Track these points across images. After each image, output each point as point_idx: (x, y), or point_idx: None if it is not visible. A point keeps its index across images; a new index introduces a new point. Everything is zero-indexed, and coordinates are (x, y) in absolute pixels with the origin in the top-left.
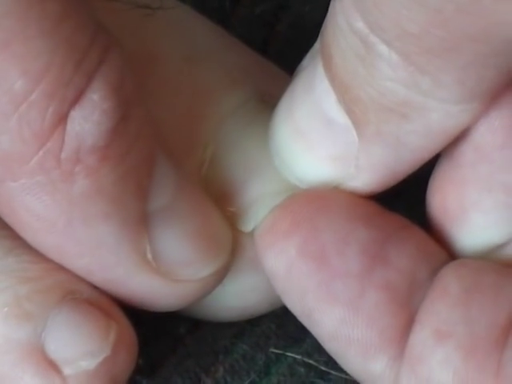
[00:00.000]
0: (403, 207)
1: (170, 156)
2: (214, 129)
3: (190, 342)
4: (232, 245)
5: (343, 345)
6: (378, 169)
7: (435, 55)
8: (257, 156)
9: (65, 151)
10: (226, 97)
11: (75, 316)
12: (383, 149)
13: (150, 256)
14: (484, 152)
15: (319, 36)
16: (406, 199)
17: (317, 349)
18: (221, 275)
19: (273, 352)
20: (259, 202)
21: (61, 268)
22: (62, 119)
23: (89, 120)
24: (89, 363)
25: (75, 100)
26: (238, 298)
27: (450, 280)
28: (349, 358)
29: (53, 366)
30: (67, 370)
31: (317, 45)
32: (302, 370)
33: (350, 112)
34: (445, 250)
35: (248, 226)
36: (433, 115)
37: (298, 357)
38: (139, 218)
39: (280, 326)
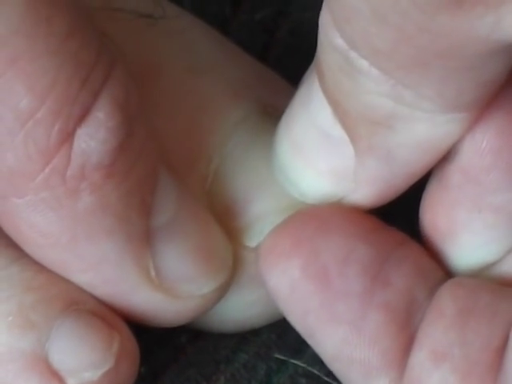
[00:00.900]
0: (401, 221)
1: (173, 171)
2: (219, 143)
3: (192, 351)
4: (233, 260)
5: (345, 365)
6: (375, 182)
7: (410, 71)
8: (261, 170)
9: (70, 169)
10: (229, 110)
11: (79, 327)
12: (377, 162)
13: (152, 272)
14: (472, 174)
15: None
16: (403, 214)
17: (318, 360)
18: (222, 291)
19: (275, 361)
20: (264, 218)
21: (65, 278)
22: (67, 136)
23: (94, 138)
24: (92, 374)
25: (81, 117)
26: (239, 310)
27: (446, 301)
28: (351, 378)
29: (56, 376)
30: (71, 381)
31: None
32: (304, 380)
33: (344, 125)
34: (441, 268)
35: (253, 241)
36: (419, 126)
37: (303, 365)
38: (142, 234)
39: (281, 336)
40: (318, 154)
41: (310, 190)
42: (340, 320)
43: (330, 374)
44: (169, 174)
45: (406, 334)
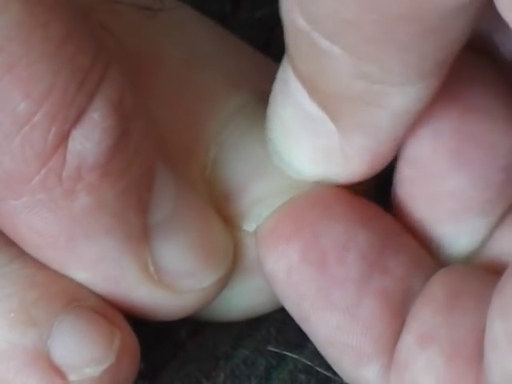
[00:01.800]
0: None
1: (171, 164)
2: (217, 131)
3: (191, 347)
4: (233, 252)
5: (338, 351)
6: (363, 155)
7: (374, 41)
8: (259, 156)
9: (66, 170)
10: (227, 99)
11: (80, 323)
12: (362, 136)
13: (151, 268)
14: (420, 166)
15: None
16: None
17: (317, 355)
18: (223, 284)
19: (274, 357)
20: (263, 202)
21: (66, 275)
22: (63, 139)
23: (90, 139)
24: (94, 370)
25: (76, 119)
26: (242, 297)
27: (436, 287)
28: (343, 364)
29: (58, 372)
30: (72, 377)
31: None
32: (303, 376)
33: (323, 106)
34: (433, 257)
35: (251, 225)
36: (393, 99)
37: (303, 360)
38: (140, 232)
39: (280, 330)
40: (305, 135)
41: (304, 170)
42: (335, 306)
43: (329, 368)
44: (166, 169)
45: (398, 322)
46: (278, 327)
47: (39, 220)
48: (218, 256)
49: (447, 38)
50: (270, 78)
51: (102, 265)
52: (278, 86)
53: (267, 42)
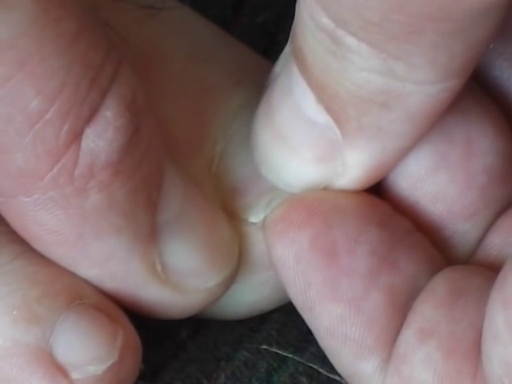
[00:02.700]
0: None
1: (177, 165)
2: (223, 126)
3: (192, 348)
4: (238, 252)
5: (338, 342)
6: (364, 163)
7: (401, 40)
8: None
9: (79, 168)
10: (231, 95)
11: (83, 321)
12: (367, 142)
13: (159, 267)
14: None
15: (289, 39)
16: None
17: (318, 358)
18: (227, 284)
19: (276, 359)
20: (272, 192)
21: (69, 272)
22: (76, 136)
23: (103, 137)
24: (97, 368)
25: (89, 117)
26: (247, 292)
27: (439, 283)
28: (342, 356)
29: (61, 370)
30: (75, 375)
31: (287, 49)
32: (304, 379)
33: (329, 110)
34: (443, 257)
35: (259, 215)
36: (412, 99)
37: (304, 362)
38: (149, 231)
39: (281, 333)
40: (304, 142)
41: (295, 180)
42: (341, 297)
43: (331, 370)
44: (174, 168)
45: (402, 318)
46: (279, 329)
47: (50, 217)
48: (224, 256)
49: (475, 38)
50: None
51: (109, 263)
52: (275, 90)
53: (268, 47)
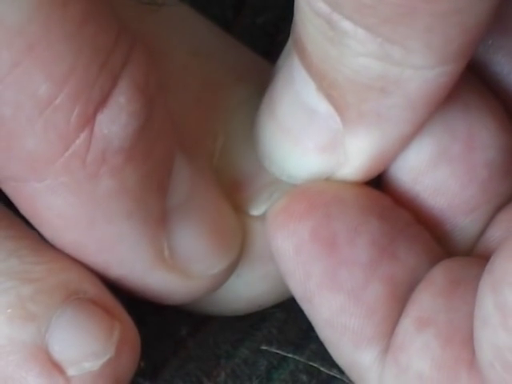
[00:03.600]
0: None
1: (185, 151)
2: (224, 121)
3: (192, 345)
4: (242, 237)
5: (338, 333)
6: (366, 151)
7: (395, 23)
8: None
9: (91, 153)
10: (232, 91)
11: (79, 316)
12: (367, 129)
13: (166, 253)
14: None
15: (291, 31)
16: None
17: (319, 355)
18: (231, 270)
19: (275, 357)
20: (274, 185)
21: (65, 268)
22: (88, 121)
23: (116, 123)
24: (93, 364)
25: (101, 102)
26: (249, 285)
27: (438, 273)
28: (341, 347)
29: (57, 366)
30: (71, 371)
31: (289, 42)
32: (304, 377)
33: (330, 98)
34: (443, 249)
35: (261, 208)
36: (411, 84)
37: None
38: (159, 215)
39: (281, 331)
40: (306, 132)
41: (298, 171)
42: (341, 287)
43: (331, 368)
44: (182, 154)
45: (401, 309)
46: (280, 327)
47: (61, 202)
48: (229, 242)
49: (471, 21)
50: (270, 74)
51: (119, 248)
52: (277, 82)
53: (268, 48)
